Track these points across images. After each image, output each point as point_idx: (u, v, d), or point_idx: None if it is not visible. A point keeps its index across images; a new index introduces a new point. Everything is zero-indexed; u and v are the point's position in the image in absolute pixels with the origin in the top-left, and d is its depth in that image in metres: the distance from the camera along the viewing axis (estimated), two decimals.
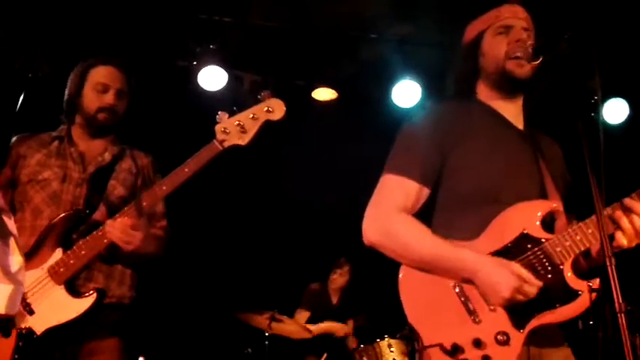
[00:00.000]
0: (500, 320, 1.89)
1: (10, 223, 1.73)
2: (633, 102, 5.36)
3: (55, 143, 2.85)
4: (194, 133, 2.63)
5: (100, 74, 2.88)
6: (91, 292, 2.55)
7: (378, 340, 4.47)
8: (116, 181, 2.83)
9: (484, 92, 2.25)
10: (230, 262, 6.07)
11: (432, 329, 1.92)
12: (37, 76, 2.26)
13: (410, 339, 4.02)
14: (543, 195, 2.05)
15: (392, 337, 4.45)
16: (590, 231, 1.89)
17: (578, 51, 1.86)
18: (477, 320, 1.90)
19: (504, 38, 2.18)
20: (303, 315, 5.54)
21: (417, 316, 1.96)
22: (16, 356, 2.38)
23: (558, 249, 1.91)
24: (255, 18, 4.99)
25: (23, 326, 2.46)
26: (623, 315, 1.57)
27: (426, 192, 2.10)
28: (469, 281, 1.93)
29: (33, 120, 2.58)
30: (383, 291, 2.37)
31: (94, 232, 2.57)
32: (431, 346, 1.89)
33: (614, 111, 5.35)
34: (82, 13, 4.68)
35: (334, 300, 5.68)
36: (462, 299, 1.93)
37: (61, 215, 2.63)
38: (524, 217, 1.97)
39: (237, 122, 2.57)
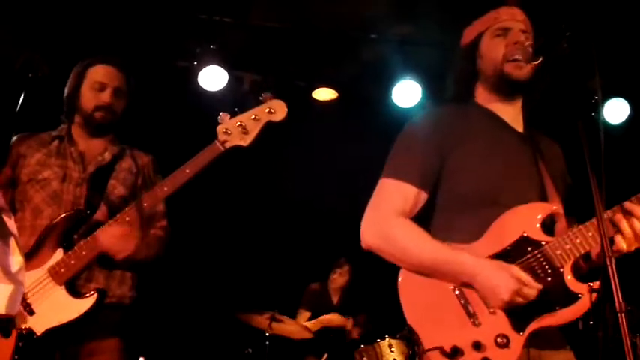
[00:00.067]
0: (500, 323, 1.89)
1: (11, 223, 1.73)
2: (633, 102, 5.36)
3: (55, 143, 2.85)
4: (194, 133, 2.63)
5: (98, 73, 2.88)
6: (92, 292, 2.55)
7: (379, 340, 4.46)
8: (116, 180, 2.83)
9: (482, 95, 2.25)
10: (230, 263, 6.07)
11: (432, 332, 1.92)
12: (37, 76, 2.26)
13: (410, 339, 4.02)
14: (543, 197, 2.05)
15: (392, 337, 4.44)
16: (590, 234, 1.89)
17: (578, 51, 1.85)
18: (476, 323, 1.90)
19: (502, 41, 2.18)
20: (303, 315, 5.55)
21: (416, 319, 1.96)
22: (16, 357, 2.38)
23: (558, 252, 1.91)
24: (255, 18, 4.99)
25: (23, 326, 2.46)
26: (623, 315, 1.57)
27: (424, 196, 2.10)
28: (468, 284, 1.93)
29: (33, 120, 2.58)
30: (383, 291, 2.37)
31: (95, 232, 2.57)
32: (431, 349, 1.88)
33: (615, 111, 5.35)
34: (82, 13, 4.68)
35: (334, 300, 5.68)
36: (462, 302, 1.93)
37: (62, 215, 2.63)
38: (524, 219, 1.97)
39: (239, 123, 2.57)
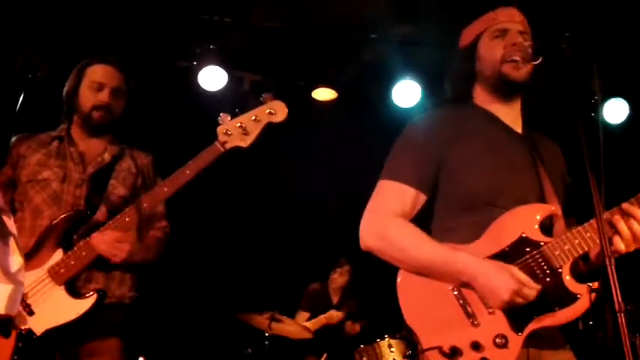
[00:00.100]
0: (499, 323, 1.89)
1: (10, 223, 1.73)
2: (633, 102, 5.36)
3: (55, 143, 2.85)
4: (194, 133, 2.63)
5: (97, 73, 2.88)
6: (92, 292, 2.55)
7: (378, 340, 4.46)
8: (116, 181, 2.83)
9: (481, 96, 2.25)
10: (230, 263, 6.07)
11: (431, 332, 1.92)
12: (36, 76, 2.26)
13: (410, 340, 4.02)
14: (542, 198, 2.05)
15: (392, 337, 4.44)
16: (588, 235, 1.89)
17: (578, 51, 1.85)
18: (475, 323, 1.90)
19: (500, 42, 2.18)
20: (302, 317, 5.54)
21: (415, 320, 1.96)
22: (16, 357, 2.38)
23: (557, 252, 1.91)
24: (255, 18, 4.99)
25: (23, 327, 2.46)
26: (622, 315, 1.57)
27: (422, 198, 2.10)
28: (468, 285, 1.93)
29: (33, 120, 2.58)
30: (383, 291, 2.37)
31: (94, 234, 2.57)
32: (429, 349, 1.89)
33: (614, 111, 5.35)
34: (82, 14, 4.68)
35: (334, 300, 5.67)
36: (461, 302, 1.93)
37: (62, 216, 2.63)
38: (523, 220, 1.97)
39: (239, 124, 2.57)
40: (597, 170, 1.74)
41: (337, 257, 5.73)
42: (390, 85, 5.30)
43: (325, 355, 5.09)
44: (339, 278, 5.68)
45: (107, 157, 2.87)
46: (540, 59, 1.97)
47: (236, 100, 4.99)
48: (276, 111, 2.58)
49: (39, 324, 2.48)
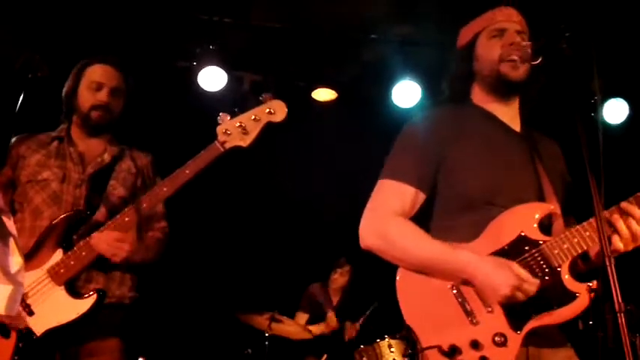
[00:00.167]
0: (498, 322, 1.89)
1: (10, 224, 1.73)
2: (633, 102, 5.36)
3: (55, 143, 2.85)
4: (194, 133, 2.63)
5: (96, 73, 2.88)
6: (92, 292, 2.55)
7: (378, 340, 4.46)
8: (116, 181, 2.83)
9: (479, 95, 2.25)
10: (230, 263, 6.07)
11: (430, 331, 1.93)
12: (36, 76, 2.26)
13: (410, 339, 4.02)
14: (541, 197, 2.05)
15: (392, 337, 4.44)
16: (587, 234, 1.90)
17: (578, 51, 1.86)
18: (474, 322, 1.91)
19: (498, 41, 2.18)
20: (302, 317, 5.54)
21: (414, 318, 1.96)
22: (16, 357, 2.38)
23: (556, 251, 1.92)
24: (255, 18, 4.99)
25: (23, 327, 2.46)
26: (622, 315, 1.57)
27: (422, 196, 2.10)
28: (467, 282, 1.93)
29: (33, 120, 2.58)
30: (383, 291, 2.37)
31: (94, 233, 2.57)
32: (429, 348, 1.89)
33: (614, 111, 5.35)
34: (82, 14, 4.68)
35: (334, 300, 5.67)
36: (460, 300, 1.94)
37: (62, 216, 2.63)
38: (522, 219, 1.98)
39: (239, 124, 2.57)
40: (597, 170, 1.74)
41: (337, 257, 5.73)
42: (390, 85, 5.30)
43: (325, 356, 5.09)
44: (339, 279, 5.68)
45: (107, 157, 2.87)
46: (540, 59, 1.97)
47: (236, 101, 4.99)
48: (275, 110, 2.58)
49: (39, 324, 2.48)
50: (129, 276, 2.80)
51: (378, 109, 5.48)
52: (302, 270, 5.90)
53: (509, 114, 2.22)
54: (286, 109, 2.58)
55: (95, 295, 2.54)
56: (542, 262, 1.92)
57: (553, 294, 1.89)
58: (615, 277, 1.62)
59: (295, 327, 5.13)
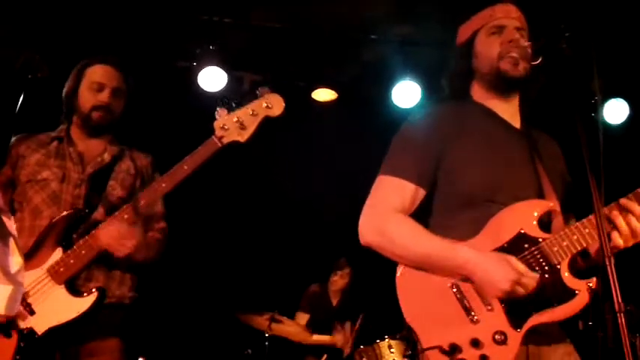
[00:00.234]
0: (498, 320, 1.89)
1: (10, 224, 1.73)
2: (633, 102, 5.36)
3: (55, 143, 2.85)
4: (194, 134, 2.62)
5: (96, 73, 2.88)
6: (92, 291, 2.55)
7: (378, 340, 4.46)
8: (115, 181, 2.82)
9: (479, 92, 2.25)
10: (230, 263, 6.07)
11: (430, 329, 1.93)
12: (36, 76, 2.26)
13: (410, 340, 4.02)
14: (540, 194, 2.05)
15: (392, 337, 4.44)
16: (587, 231, 1.90)
17: (578, 51, 1.86)
18: (474, 320, 1.91)
19: (497, 38, 2.18)
20: (302, 318, 5.53)
21: (414, 317, 1.97)
22: (18, 357, 2.38)
23: (555, 249, 1.91)
24: (255, 18, 4.99)
25: (24, 326, 2.46)
26: (622, 315, 1.57)
27: (421, 193, 2.10)
28: (467, 279, 1.94)
29: (33, 120, 2.58)
30: (383, 291, 2.37)
31: (93, 232, 2.56)
32: (429, 348, 1.89)
33: (614, 111, 5.35)
34: (82, 14, 4.68)
35: (334, 302, 5.67)
36: (459, 298, 1.94)
37: (61, 215, 2.62)
38: (521, 216, 1.98)
39: (236, 118, 2.56)
40: (597, 171, 1.74)
41: (337, 257, 5.73)
42: (390, 86, 5.31)
43: (325, 356, 5.09)
44: (339, 280, 5.68)
45: (107, 157, 2.87)
46: (540, 59, 1.97)
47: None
48: (273, 104, 2.57)
49: (40, 323, 2.48)
50: (129, 276, 2.80)
51: (378, 109, 5.48)
52: (302, 270, 5.91)
53: (509, 111, 2.22)
54: (284, 103, 2.57)
55: (96, 294, 2.54)
56: (541, 260, 1.92)
57: (553, 291, 1.89)
58: (615, 277, 1.62)
59: (295, 327, 5.13)
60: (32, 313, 2.49)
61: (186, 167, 2.56)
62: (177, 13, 4.87)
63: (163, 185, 2.57)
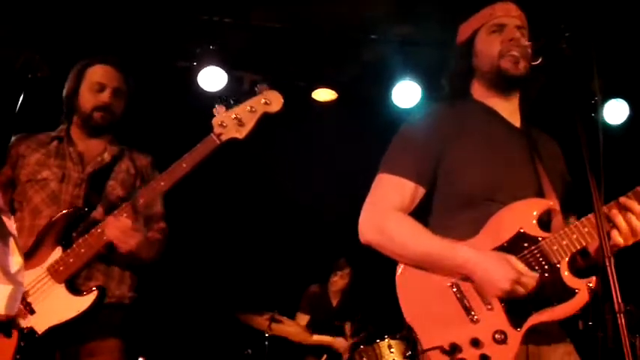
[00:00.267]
0: (498, 319, 1.89)
1: (10, 224, 1.73)
2: (633, 102, 5.36)
3: (54, 143, 2.85)
4: (194, 134, 2.62)
5: (97, 74, 2.88)
6: (92, 289, 2.54)
7: (378, 340, 4.46)
8: (115, 181, 2.82)
9: (479, 91, 2.25)
10: (230, 263, 6.07)
11: (430, 329, 1.93)
12: (36, 76, 2.26)
13: (410, 340, 4.02)
14: (540, 193, 2.05)
15: (392, 337, 4.44)
16: (586, 230, 1.89)
17: (578, 51, 1.86)
18: (474, 319, 1.91)
19: (498, 37, 2.18)
20: (302, 319, 5.53)
21: (414, 316, 1.97)
22: (18, 356, 2.38)
23: (555, 247, 1.91)
24: (255, 18, 4.99)
25: (24, 326, 2.46)
26: (622, 315, 1.57)
27: (421, 191, 2.10)
28: (467, 278, 1.93)
29: (33, 120, 2.58)
30: (383, 291, 2.37)
31: (93, 230, 2.56)
32: (430, 349, 1.89)
33: (614, 111, 5.35)
34: (82, 14, 4.68)
35: (334, 302, 5.67)
36: (459, 298, 1.94)
37: (61, 213, 2.62)
38: (521, 216, 1.98)
39: (235, 115, 2.55)
40: (597, 171, 1.74)
41: (337, 257, 5.73)
42: (390, 86, 5.31)
43: (325, 356, 5.09)
44: (339, 281, 5.68)
45: (107, 156, 2.87)
46: (540, 59, 1.97)
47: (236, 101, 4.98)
48: (271, 101, 2.56)
49: (40, 322, 2.48)
50: (128, 275, 2.79)
51: (378, 109, 5.48)
52: (302, 270, 5.91)
53: (509, 109, 2.22)
54: (282, 100, 2.56)
55: (96, 292, 2.53)
56: (541, 259, 1.92)
57: (552, 290, 1.89)
58: (615, 277, 1.62)
59: (295, 327, 5.13)
60: (32, 312, 2.49)
61: (184, 165, 2.55)
62: (177, 13, 4.87)
63: (162, 184, 2.57)
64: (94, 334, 2.61)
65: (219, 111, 2.57)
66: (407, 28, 5.03)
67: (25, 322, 2.47)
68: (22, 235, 2.58)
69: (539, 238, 1.94)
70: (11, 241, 1.72)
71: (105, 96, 2.84)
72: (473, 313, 1.91)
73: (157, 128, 5.05)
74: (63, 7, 4.59)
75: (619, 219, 1.88)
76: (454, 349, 1.87)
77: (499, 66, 2.15)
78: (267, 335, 4.97)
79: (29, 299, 2.50)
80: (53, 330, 2.47)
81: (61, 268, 2.53)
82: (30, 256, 2.55)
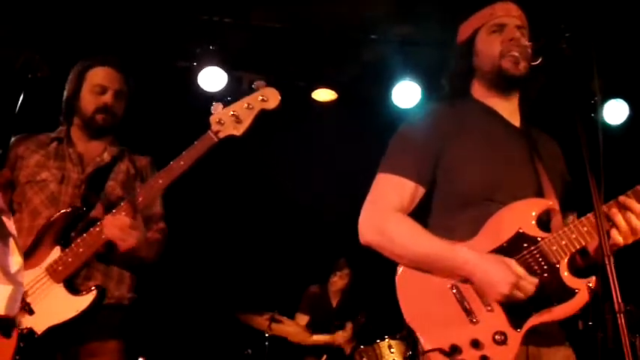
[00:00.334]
0: (498, 320, 1.89)
1: (10, 224, 1.73)
2: (633, 102, 5.36)
3: (54, 144, 2.85)
4: (194, 134, 2.62)
5: (98, 76, 2.87)
6: (92, 289, 2.54)
7: (378, 340, 4.46)
8: (115, 182, 2.82)
9: (479, 91, 2.25)
10: (230, 263, 6.07)
11: (430, 330, 1.93)
12: (36, 77, 2.26)
13: (410, 340, 4.02)
14: (539, 193, 2.05)
15: (392, 337, 4.44)
16: (585, 229, 1.89)
17: (578, 51, 1.86)
18: (474, 320, 1.91)
19: (498, 37, 2.18)
20: (302, 319, 5.53)
21: (414, 317, 1.97)
22: (17, 357, 2.38)
23: (554, 247, 1.91)
24: (255, 18, 4.99)
25: (23, 326, 2.45)
26: (622, 315, 1.57)
27: (421, 191, 2.10)
28: (466, 280, 1.93)
29: (33, 121, 2.57)
30: (383, 291, 2.37)
31: (92, 229, 2.55)
32: (430, 351, 1.89)
33: (614, 111, 5.35)
34: (82, 14, 4.68)
35: (334, 302, 5.67)
36: (459, 299, 1.93)
37: (59, 213, 2.62)
38: (520, 216, 1.98)
39: (232, 112, 2.55)
40: (597, 171, 1.74)
41: (337, 258, 5.73)
42: (390, 86, 5.30)
43: (325, 357, 5.09)
44: (338, 281, 5.68)
45: (106, 157, 2.86)
46: (540, 59, 1.97)
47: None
48: (268, 98, 2.56)
49: (39, 323, 2.47)
50: (128, 275, 2.79)
51: (378, 109, 5.48)
52: (302, 270, 5.90)
53: (509, 109, 2.22)
54: (279, 96, 2.56)
55: (95, 292, 2.52)
56: (540, 259, 1.92)
57: (552, 291, 1.89)
58: (615, 277, 1.62)
59: (295, 327, 5.13)
60: (31, 312, 2.48)
61: (182, 163, 2.55)
62: (177, 13, 4.87)
63: (160, 181, 2.56)
64: (94, 335, 2.61)
65: (217, 108, 2.57)
66: (407, 28, 5.03)
67: (24, 323, 2.46)
68: (21, 236, 2.57)
69: (539, 239, 1.94)
70: (11, 241, 1.71)
71: (106, 98, 2.84)
72: (473, 314, 1.91)
73: (157, 128, 5.05)
74: (63, 7, 4.59)
75: (618, 218, 1.88)
76: (454, 351, 1.87)
77: (500, 66, 2.15)
78: (267, 335, 4.97)
79: (28, 299, 2.49)
80: (53, 330, 2.47)
81: (60, 268, 2.53)
82: (28, 256, 2.54)
